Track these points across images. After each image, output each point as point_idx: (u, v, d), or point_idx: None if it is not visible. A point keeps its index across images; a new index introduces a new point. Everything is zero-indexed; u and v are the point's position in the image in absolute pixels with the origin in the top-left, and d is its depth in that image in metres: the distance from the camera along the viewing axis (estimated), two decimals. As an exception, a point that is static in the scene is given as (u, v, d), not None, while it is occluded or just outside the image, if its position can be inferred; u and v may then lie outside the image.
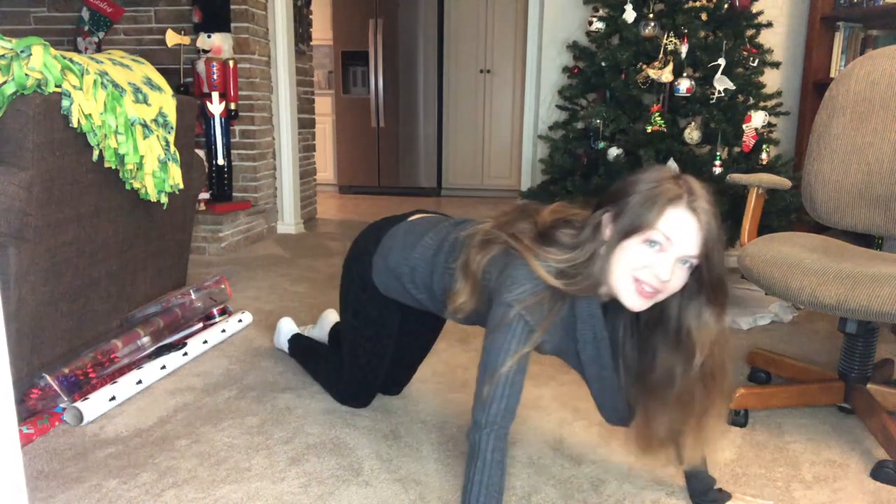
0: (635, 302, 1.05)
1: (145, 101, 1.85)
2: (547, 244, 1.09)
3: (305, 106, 4.23)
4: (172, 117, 1.98)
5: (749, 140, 2.56)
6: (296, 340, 1.94)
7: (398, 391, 1.74)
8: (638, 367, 1.16)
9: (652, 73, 2.56)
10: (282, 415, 1.62)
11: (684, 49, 2.58)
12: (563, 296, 1.08)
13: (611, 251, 1.04)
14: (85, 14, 3.49)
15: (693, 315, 1.08)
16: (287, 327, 2.02)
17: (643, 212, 1.00)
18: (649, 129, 2.57)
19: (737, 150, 2.61)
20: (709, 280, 1.04)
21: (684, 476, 1.30)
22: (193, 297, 2.09)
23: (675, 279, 1.02)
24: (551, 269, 1.07)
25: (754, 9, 2.71)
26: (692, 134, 2.57)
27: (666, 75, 2.54)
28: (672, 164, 2.54)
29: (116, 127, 1.69)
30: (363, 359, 1.57)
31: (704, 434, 1.13)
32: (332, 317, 2.06)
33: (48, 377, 1.55)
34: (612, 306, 1.16)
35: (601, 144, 2.72)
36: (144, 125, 1.81)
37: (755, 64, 2.68)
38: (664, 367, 1.11)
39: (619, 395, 1.19)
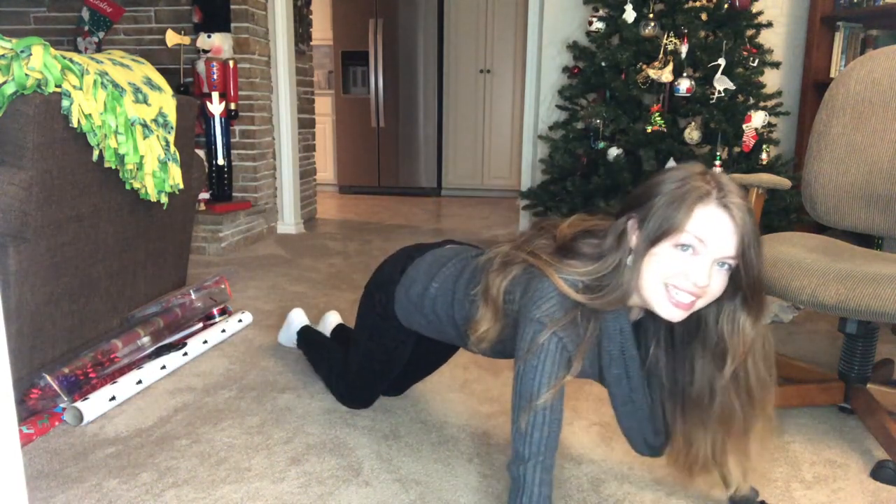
0: (672, 313, 0.96)
1: (145, 101, 1.85)
2: (568, 257, 1.02)
3: (305, 106, 4.23)
4: (172, 117, 1.98)
5: (749, 140, 2.56)
6: (305, 332, 1.94)
7: (398, 394, 1.74)
8: (675, 384, 1.07)
9: (652, 73, 2.56)
10: (282, 415, 1.62)
11: (684, 49, 2.59)
12: (592, 312, 1.00)
13: (639, 260, 0.96)
14: (85, 14, 3.49)
15: (727, 319, 0.99)
16: (298, 318, 2.02)
17: (670, 213, 0.92)
18: (649, 129, 2.57)
19: (737, 150, 2.61)
20: (746, 282, 0.95)
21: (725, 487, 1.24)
22: (193, 297, 2.09)
23: (715, 283, 0.94)
24: (575, 284, 0.99)
25: (754, 9, 2.72)
26: (692, 134, 2.57)
27: (666, 75, 2.54)
28: (672, 165, 2.54)
29: (116, 127, 1.69)
30: (368, 374, 1.56)
31: (748, 456, 1.05)
32: (332, 318, 2.06)
33: (48, 377, 1.55)
34: (645, 323, 1.09)
35: (601, 144, 2.73)
36: (144, 125, 1.81)
37: (755, 64, 2.68)
38: (704, 380, 1.03)
39: (649, 421, 1.11)
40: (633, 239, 0.98)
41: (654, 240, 0.94)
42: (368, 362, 1.54)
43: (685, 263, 0.93)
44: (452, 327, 1.30)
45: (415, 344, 1.52)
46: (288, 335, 2.03)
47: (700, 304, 0.96)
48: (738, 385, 1.01)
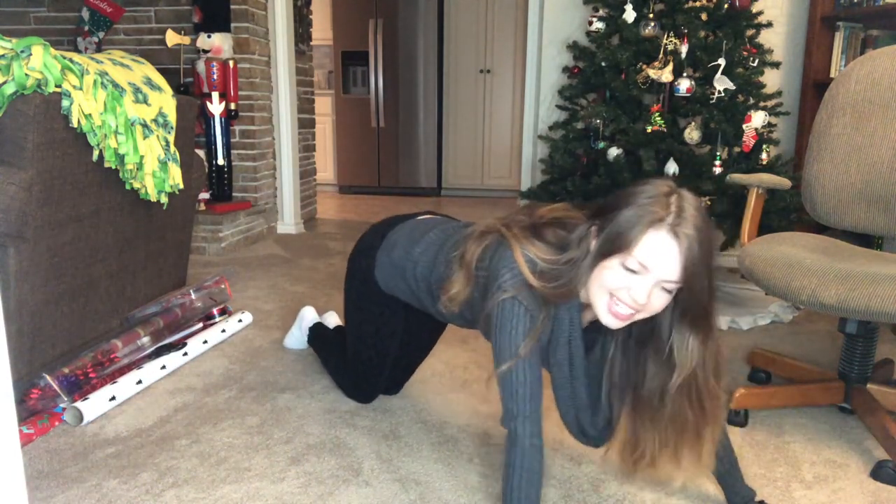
0: (610, 320, 1.04)
1: (145, 101, 1.85)
2: (536, 238, 1.11)
3: (305, 106, 4.23)
4: (172, 117, 1.98)
5: (749, 140, 2.56)
6: (316, 329, 1.96)
7: (396, 391, 1.74)
8: (627, 383, 1.15)
9: (652, 73, 2.56)
10: (282, 415, 1.62)
11: (684, 49, 2.58)
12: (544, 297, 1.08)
13: (591, 267, 1.04)
14: (85, 14, 3.49)
15: (678, 335, 1.06)
16: (310, 315, 2.03)
17: (623, 233, 0.98)
18: (649, 129, 2.56)
19: (737, 150, 2.61)
20: (690, 306, 1.02)
21: (721, 488, 1.28)
22: (193, 297, 2.09)
23: (655, 301, 1.01)
24: (533, 263, 1.08)
25: (754, 9, 2.71)
26: (692, 134, 2.57)
27: (666, 75, 2.54)
28: (671, 166, 2.53)
29: (116, 127, 1.69)
30: (365, 354, 1.58)
31: (700, 459, 1.12)
32: (332, 319, 2.07)
33: (48, 377, 1.55)
34: (603, 326, 1.15)
35: (601, 144, 2.72)
36: (144, 125, 1.81)
37: (755, 64, 2.68)
38: (655, 383, 1.10)
39: (586, 411, 1.18)
40: (592, 244, 1.05)
41: (605, 253, 1.01)
42: (360, 335, 1.57)
43: (629, 280, 1.00)
44: (428, 293, 1.38)
45: (403, 320, 1.56)
46: (297, 336, 2.03)
47: (639, 317, 1.04)
48: (690, 395, 1.08)
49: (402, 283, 1.44)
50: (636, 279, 0.99)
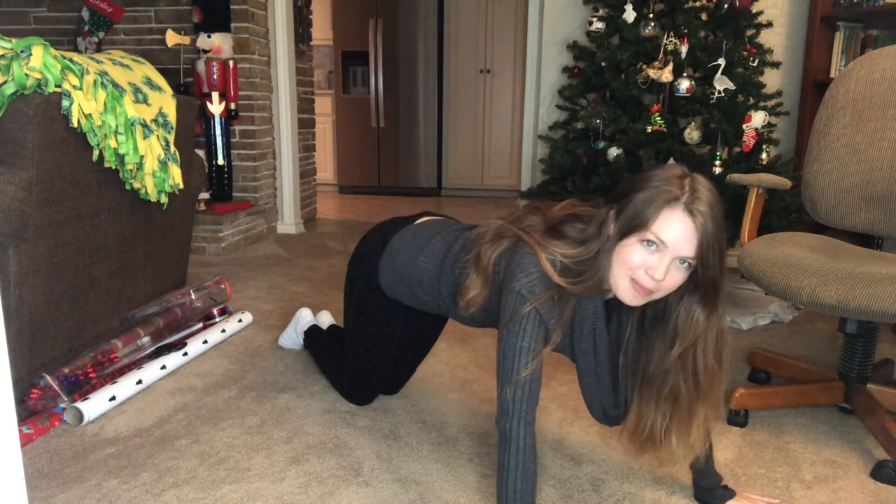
0: (631, 298, 1.06)
1: (145, 101, 1.85)
2: (555, 237, 1.11)
3: (305, 106, 4.23)
4: (172, 117, 1.98)
5: (749, 140, 2.56)
6: (311, 332, 1.95)
7: (396, 390, 1.74)
8: (637, 363, 1.17)
9: (652, 73, 2.56)
10: (282, 415, 1.62)
11: (684, 49, 2.58)
12: (570, 294, 1.09)
13: (611, 249, 1.05)
14: (85, 14, 3.49)
15: (684, 308, 1.09)
16: (307, 317, 2.03)
17: (641, 212, 1.01)
18: (649, 129, 2.56)
19: (737, 150, 2.61)
20: (702, 281, 1.04)
21: (691, 473, 1.30)
22: (193, 297, 2.09)
23: (671, 278, 1.03)
24: (557, 264, 1.08)
25: (754, 9, 2.71)
26: (692, 134, 2.57)
27: (666, 75, 2.54)
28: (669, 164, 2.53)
29: (116, 127, 1.69)
30: (365, 356, 1.58)
31: (689, 437, 1.13)
32: (325, 318, 2.06)
33: (48, 377, 1.55)
34: (619, 306, 1.16)
35: (601, 144, 2.72)
36: (144, 125, 1.80)
37: (755, 64, 2.68)
38: (660, 361, 1.12)
39: (609, 394, 1.20)
40: (611, 228, 1.07)
41: (624, 233, 1.03)
42: (361, 339, 1.57)
43: (647, 258, 1.02)
44: (434, 299, 1.39)
45: (404, 320, 1.56)
46: (291, 336, 2.03)
47: (657, 295, 1.06)
48: (686, 370, 1.11)
49: (405, 288, 1.44)
50: (654, 257, 1.01)
